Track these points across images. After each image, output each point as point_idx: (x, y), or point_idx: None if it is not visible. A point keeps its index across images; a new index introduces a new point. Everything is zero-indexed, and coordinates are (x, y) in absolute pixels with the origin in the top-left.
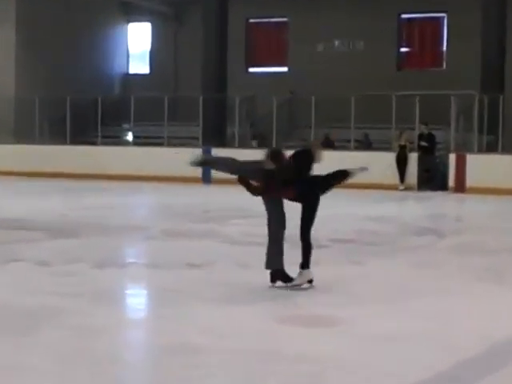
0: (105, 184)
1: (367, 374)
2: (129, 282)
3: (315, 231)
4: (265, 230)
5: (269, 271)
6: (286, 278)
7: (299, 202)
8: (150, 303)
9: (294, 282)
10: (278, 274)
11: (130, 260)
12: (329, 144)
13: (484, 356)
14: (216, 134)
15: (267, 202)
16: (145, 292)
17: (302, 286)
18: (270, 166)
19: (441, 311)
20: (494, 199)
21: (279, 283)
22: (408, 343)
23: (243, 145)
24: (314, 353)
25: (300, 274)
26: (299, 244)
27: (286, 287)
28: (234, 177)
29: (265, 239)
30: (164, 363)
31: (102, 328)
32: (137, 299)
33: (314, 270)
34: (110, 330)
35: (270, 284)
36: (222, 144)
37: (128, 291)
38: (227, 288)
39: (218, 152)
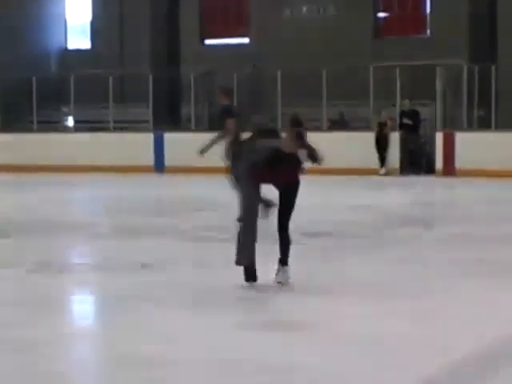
0: (43, 176)
1: (347, 383)
2: (74, 287)
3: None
4: (226, 224)
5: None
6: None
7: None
8: (98, 311)
9: (277, 280)
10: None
11: (75, 262)
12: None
13: (477, 357)
14: (169, 116)
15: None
16: (93, 298)
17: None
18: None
19: (429, 311)
20: (486, 182)
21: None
22: (394, 347)
23: (200, 127)
24: (283, 361)
25: (283, 270)
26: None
27: (252, 288)
28: (193, 164)
29: (228, 233)
30: (117, 377)
31: (44, 341)
32: (84, 307)
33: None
34: (54, 342)
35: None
36: (176, 127)
37: (73, 298)
38: (185, 291)
39: (170, 137)
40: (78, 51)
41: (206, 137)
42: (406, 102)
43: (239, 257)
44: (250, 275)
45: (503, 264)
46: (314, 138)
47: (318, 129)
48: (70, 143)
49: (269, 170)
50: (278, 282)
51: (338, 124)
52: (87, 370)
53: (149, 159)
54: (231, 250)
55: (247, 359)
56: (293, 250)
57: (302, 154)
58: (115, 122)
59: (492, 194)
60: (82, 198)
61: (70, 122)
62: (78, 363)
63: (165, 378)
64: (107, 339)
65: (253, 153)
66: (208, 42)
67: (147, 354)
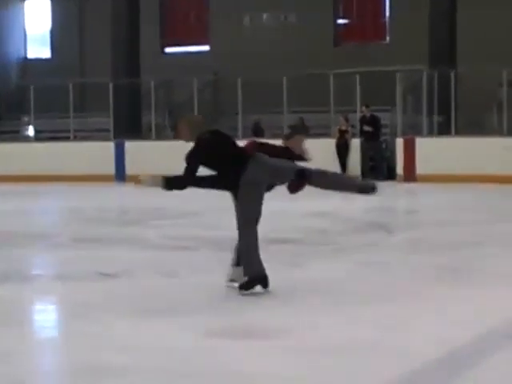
0: (2, 186)
1: None
2: (34, 297)
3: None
4: (190, 232)
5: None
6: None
7: None
8: (60, 320)
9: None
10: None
11: (36, 272)
12: (258, 132)
13: (442, 364)
14: (130, 125)
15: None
16: (53, 307)
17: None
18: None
19: (393, 317)
20: (447, 188)
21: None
22: (357, 354)
23: (160, 136)
24: (247, 370)
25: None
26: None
27: (216, 296)
28: (154, 173)
29: (190, 242)
30: None
31: (4, 351)
32: (44, 316)
33: None
34: (15, 353)
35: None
36: (137, 136)
37: (34, 307)
38: (148, 300)
39: (131, 146)
40: (37, 60)
41: (167, 145)
42: (366, 108)
43: (250, 269)
44: (264, 281)
45: (464, 269)
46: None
47: (278, 136)
48: (30, 153)
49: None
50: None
51: (299, 130)
52: (48, 380)
53: (110, 168)
54: (193, 258)
55: (211, 368)
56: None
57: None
58: (76, 131)
59: (452, 200)
60: (42, 207)
61: (31, 131)
62: (39, 373)
63: None
64: (68, 349)
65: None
66: (168, 50)
67: (109, 364)
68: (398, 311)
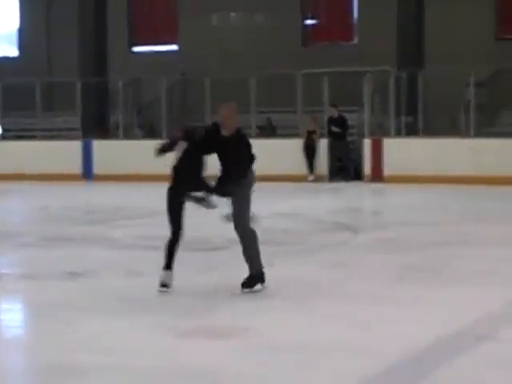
0: None
1: None
2: (1, 295)
3: (212, 231)
4: (158, 232)
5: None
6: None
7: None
8: (26, 319)
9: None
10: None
11: (2, 271)
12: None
13: (407, 363)
14: (97, 124)
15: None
16: (19, 307)
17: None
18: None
19: (359, 316)
20: (414, 188)
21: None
22: (323, 352)
23: (129, 135)
24: (216, 368)
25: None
26: None
27: (185, 295)
28: (121, 172)
29: (157, 242)
30: None
31: None
32: (11, 315)
33: (212, 276)
34: None
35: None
36: (105, 135)
37: (0, 307)
38: (115, 299)
39: (99, 145)
40: (5, 59)
41: (133, 144)
42: (334, 109)
43: (256, 266)
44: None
45: (430, 269)
46: None
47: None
48: None
49: None
50: None
51: (267, 130)
52: (12, 379)
53: (77, 167)
54: (160, 258)
55: (175, 367)
56: (219, 256)
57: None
58: (43, 130)
59: (419, 200)
60: (9, 206)
61: None
62: (6, 373)
63: None
64: (33, 348)
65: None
66: (136, 49)
67: (74, 363)
68: (362, 311)
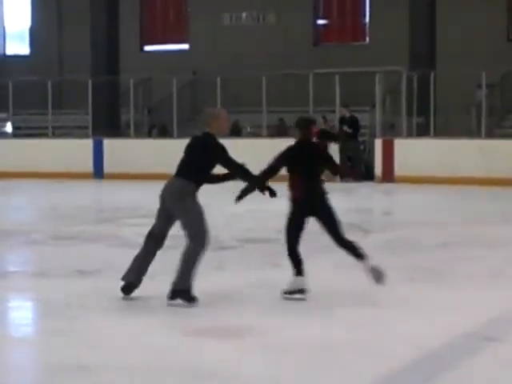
0: None
1: None
2: (10, 293)
3: (222, 231)
4: (171, 231)
5: None
6: None
7: None
8: (35, 317)
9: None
10: None
11: (12, 269)
12: (236, 131)
13: (417, 365)
14: (108, 123)
15: None
16: (29, 304)
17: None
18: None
19: (369, 317)
20: (425, 189)
21: None
22: (335, 353)
23: (140, 134)
24: (222, 369)
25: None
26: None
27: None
28: (132, 171)
29: (168, 241)
30: None
31: None
32: (20, 313)
33: (222, 275)
34: None
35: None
36: (116, 134)
37: (9, 304)
38: (124, 299)
39: (109, 143)
40: (16, 57)
41: (146, 143)
42: (345, 109)
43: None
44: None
45: (440, 270)
46: (254, 145)
47: (258, 135)
48: (8, 149)
49: None
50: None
51: (278, 130)
52: (23, 378)
53: (88, 166)
54: (170, 257)
55: (185, 366)
56: (228, 256)
57: None
58: (54, 128)
59: (429, 201)
60: (20, 204)
61: (9, 127)
62: (15, 370)
63: None
64: (44, 347)
65: None
66: (147, 48)
67: (84, 362)
68: (373, 312)
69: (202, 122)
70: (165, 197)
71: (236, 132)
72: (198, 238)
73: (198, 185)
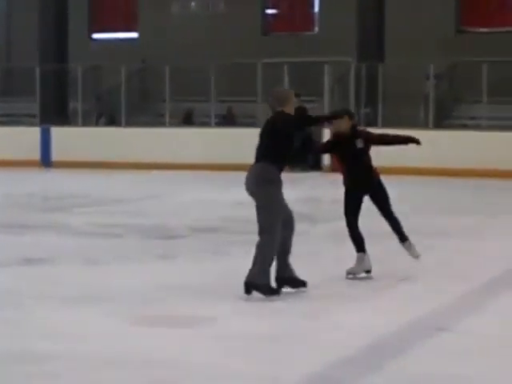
0: None
1: (231, 379)
2: None
3: (171, 220)
4: (116, 220)
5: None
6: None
7: None
8: None
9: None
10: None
11: None
12: (189, 120)
13: (364, 355)
14: (56, 111)
15: None
16: None
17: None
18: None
19: (317, 306)
20: None
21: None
22: (277, 343)
23: (88, 122)
24: (169, 357)
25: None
26: None
27: (138, 284)
28: (80, 159)
29: (115, 230)
30: (2, 373)
31: None
32: None
33: (171, 264)
34: None
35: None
36: (64, 122)
37: None
38: (73, 286)
39: (58, 131)
40: None
41: (94, 131)
42: (295, 98)
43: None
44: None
45: (387, 259)
46: (202, 134)
47: (206, 124)
48: None
49: None
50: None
51: (227, 120)
52: None
53: (35, 154)
54: (117, 245)
55: (134, 355)
56: (178, 245)
57: None
58: (1, 115)
59: None
60: None
61: None
62: None
63: (53, 373)
64: None
65: None
66: (96, 35)
67: (35, 349)
68: (323, 300)
69: (277, 101)
70: (247, 186)
71: (189, 120)
72: (267, 231)
73: (280, 166)
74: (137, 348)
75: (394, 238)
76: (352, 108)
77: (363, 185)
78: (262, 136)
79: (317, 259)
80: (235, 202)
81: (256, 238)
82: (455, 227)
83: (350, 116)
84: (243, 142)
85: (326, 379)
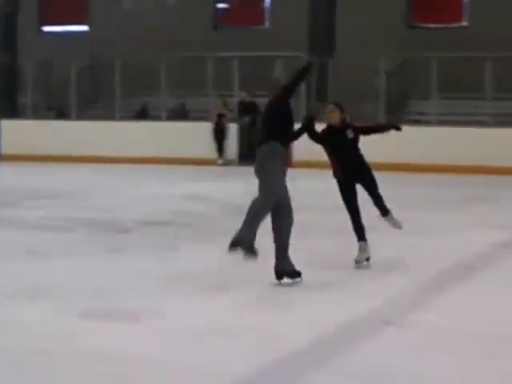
0: None
1: (180, 373)
2: None
3: (120, 214)
4: (64, 213)
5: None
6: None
7: None
8: None
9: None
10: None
11: None
12: (144, 115)
13: (311, 350)
14: (5, 105)
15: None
16: None
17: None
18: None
19: (266, 301)
20: (323, 174)
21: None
22: (227, 337)
23: (38, 116)
24: (118, 351)
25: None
26: None
27: (93, 278)
28: (30, 153)
29: (66, 223)
30: None
31: None
32: None
33: (121, 257)
34: None
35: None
36: (14, 115)
37: None
38: (22, 281)
39: (7, 125)
40: None
41: (44, 125)
42: (245, 93)
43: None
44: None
45: (335, 255)
46: (153, 128)
47: (158, 118)
48: None
49: None
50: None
51: (179, 114)
52: None
53: None
54: (68, 240)
55: (82, 350)
56: (126, 238)
57: None
58: None
59: (330, 186)
60: None
61: None
62: None
63: None
64: None
65: None
66: (46, 29)
67: None
68: (271, 295)
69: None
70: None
71: (144, 115)
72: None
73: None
74: (84, 342)
75: (345, 234)
76: (303, 103)
77: (356, 174)
78: (263, 121)
79: (265, 252)
80: (186, 196)
81: (203, 232)
82: (404, 222)
83: (341, 109)
84: (195, 136)
85: (271, 372)
